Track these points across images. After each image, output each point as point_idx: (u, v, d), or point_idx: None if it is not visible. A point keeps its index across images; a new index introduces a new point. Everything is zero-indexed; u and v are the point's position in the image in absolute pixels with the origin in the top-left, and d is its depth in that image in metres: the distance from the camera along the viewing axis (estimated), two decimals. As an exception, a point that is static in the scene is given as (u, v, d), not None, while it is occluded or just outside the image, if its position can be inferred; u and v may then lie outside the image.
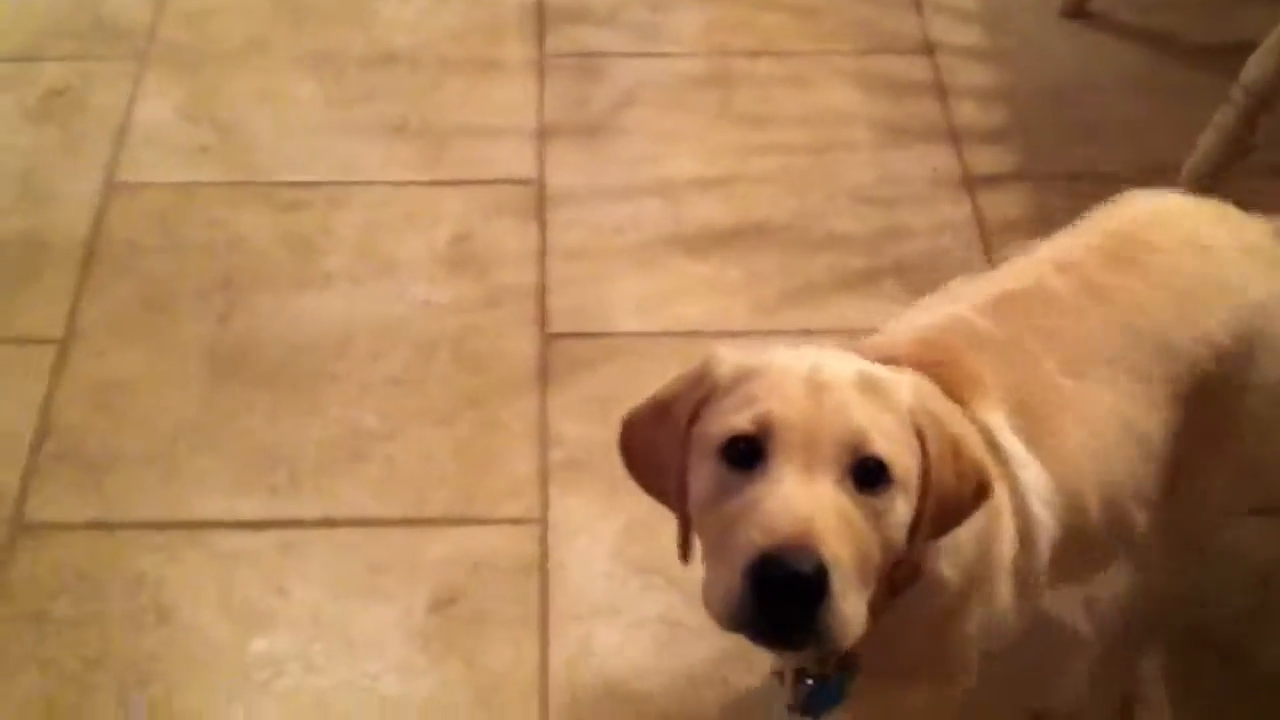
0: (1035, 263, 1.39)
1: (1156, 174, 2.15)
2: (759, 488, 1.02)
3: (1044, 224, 2.20)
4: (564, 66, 2.49)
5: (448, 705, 1.64)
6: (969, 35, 2.58)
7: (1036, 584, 1.27)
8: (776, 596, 0.97)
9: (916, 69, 2.51)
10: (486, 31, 2.54)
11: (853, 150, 2.38)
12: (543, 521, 1.83)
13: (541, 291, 2.12)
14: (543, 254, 2.17)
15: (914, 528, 1.07)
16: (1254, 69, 2.03)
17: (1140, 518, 1.34)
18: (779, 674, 1.30)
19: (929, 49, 2.55)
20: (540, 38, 2.52)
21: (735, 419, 1.05)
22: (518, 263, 2.16)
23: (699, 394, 1.11)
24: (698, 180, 2.30)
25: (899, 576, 1.12)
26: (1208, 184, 2.07)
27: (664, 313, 2.10)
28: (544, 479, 1.87)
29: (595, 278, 2.15)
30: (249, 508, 1.84)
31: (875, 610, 1.06)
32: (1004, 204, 2.27)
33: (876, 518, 1.03)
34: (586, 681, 1.67)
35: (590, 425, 1.94)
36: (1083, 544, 1.29)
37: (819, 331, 2.03)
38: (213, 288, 2.10)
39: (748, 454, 1.04)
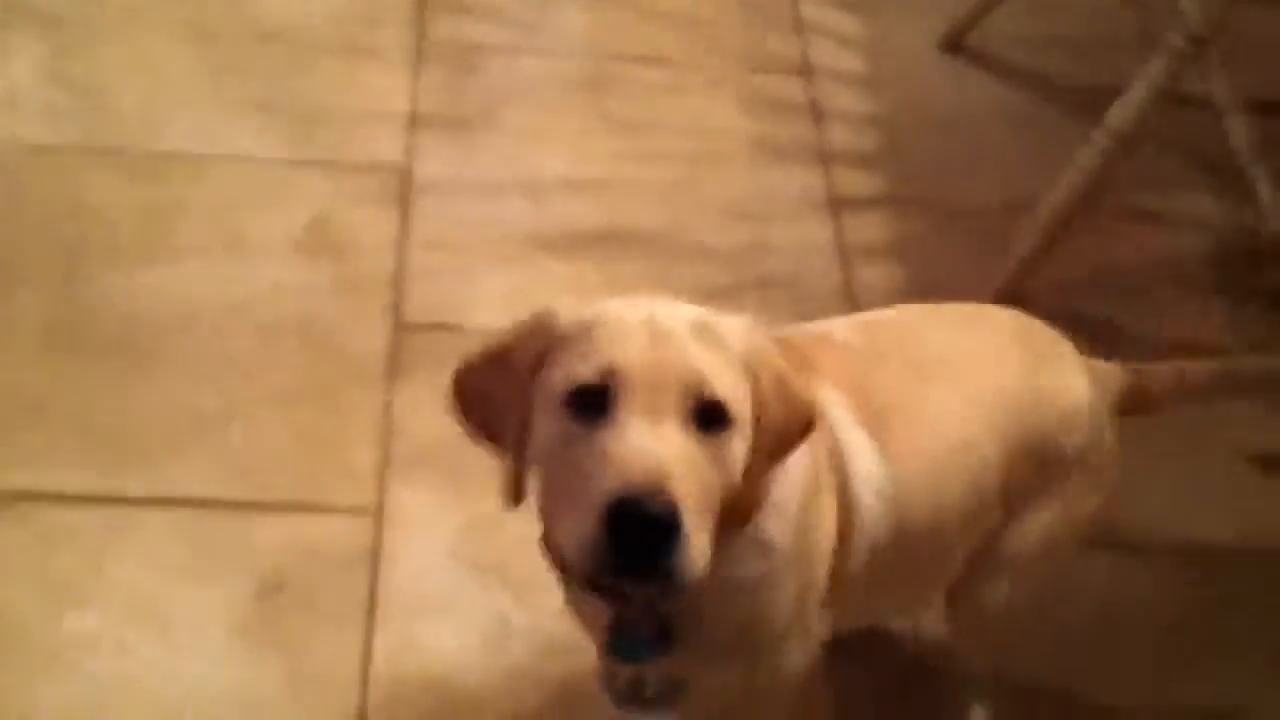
0: (900, 309, 1.47)
1: (1020, 208, 2.20)
2: (607, 436, 1.03)
3: (905, 250, 2.27)
4: (443, 57, 2.45)
5: (261, 695, 1.60)
6: (848, 61, 2.61)
7: (849, 583, 1.28)
8: (632, 538, 0.99)
9: (794, 90, 2.53)
10: (366, 16, 2.50)
11: (726, 164, 2.38)
12: (379, 513, 1.79)
13: (398, 281, 2.09)
14: (403, 243, 2.14)
15: (748, 463, 1.10)
16: (1117, 114, 2.06)
17: (960, 541, 1.36)
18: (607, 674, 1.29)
19: (808, 71, 2.57)
20: (420, 26, 2.49)
21: (579, 369, 1.06)
22: (376, 250, 2.12)
23: (538, 345, 1.12)
24: (568, 181, 2.29)
25: (733, 515, 1.13)
26: (1063, 221, 2.11)
27: (518, 310, 2.06)
28: (384, 470, 1.84)
29: (455, 271, 2.12)
30: (74, 482, 1.78)
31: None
32: (868, 228, 2.29)
33: (717, 457, 1.07)
34: (409, 677, 1.64)
35: (437, 420, 1.87)
36: (903, 554, 1.30)
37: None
38: (56, 255, 2.03)
39: (593, 404, 1.05)
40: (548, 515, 1.14)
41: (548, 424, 1.09)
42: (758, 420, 1.10)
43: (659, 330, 1.08)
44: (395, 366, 1.97)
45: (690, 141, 2.40)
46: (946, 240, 2.29)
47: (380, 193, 2.21)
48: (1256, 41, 2.36)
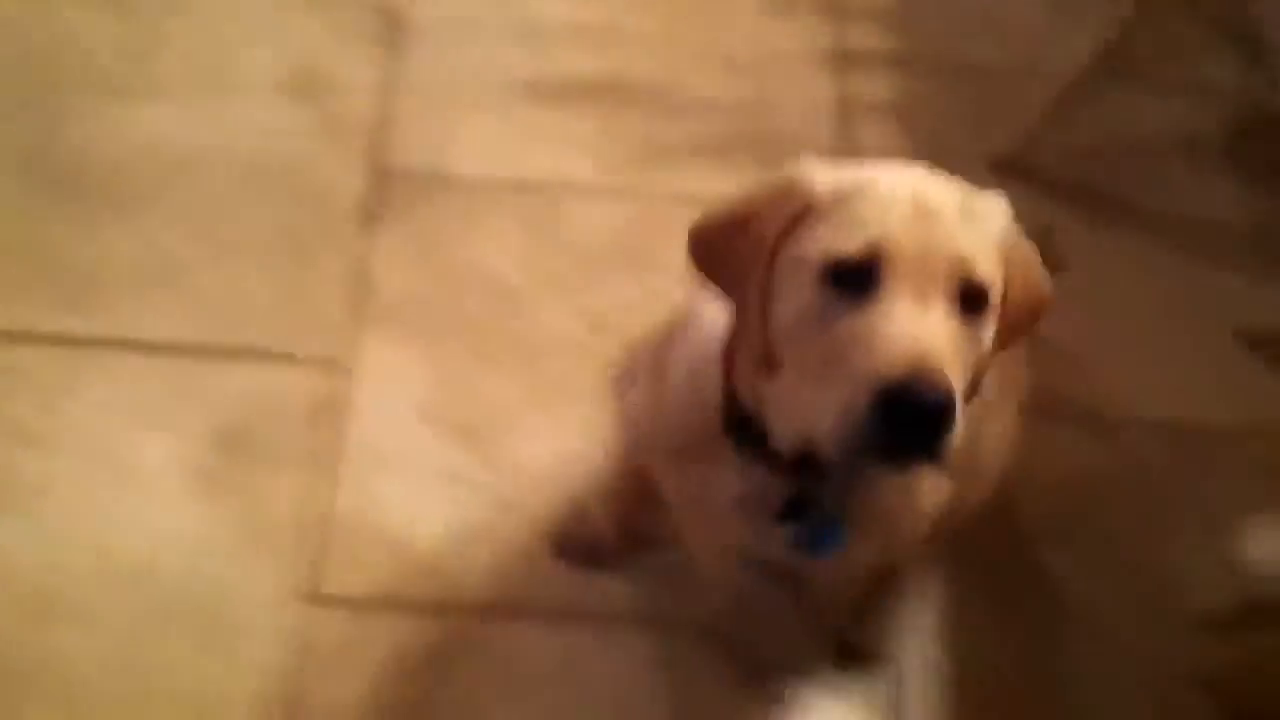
0: None
1: (1032, 72, 2.11)
2: (873, 316, 1.00)
3: (909, 110, 2.18)
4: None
5: (216, 542, 1.61)
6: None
7: None
8: (906, 421, 0.96)
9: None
10: None
11: (732, 14, 2.29)
12: (349, 366, 1.77)
13: (381, 126, 2.03)
14: (391, 87, 2.08)
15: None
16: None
17: None
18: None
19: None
20: None
21: (842, 243, 1.02)
22: (362, 93, 2.07)
23: (790, 209, 1.06)
24: (567, 27, 2.21)
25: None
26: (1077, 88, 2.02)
27: (508, 161, 2.03)
28: (357, 322, 1.81)
29: (442, 118, 2.06)
30: (32, 320, 1.76)
31: None
32: (873, 86, 2.21)
33: (974, 339, 1.04)
34: (366, 531, 1.63)
35: (414, 273, 1.88)
36: None
37: (670, 196, 1.99)
38: (30, 88, 1.99)
39: (856, 280, 1.01)
40: (786, 389, 1.08)
41: (800, 295, 1.04)
42: (1004, 301, 1.07)
43: (926, 206, 1.03)
44: (374, 215, 1.93)
45: (694, -10, 2.32)
46: (952, 100, 2.20)
47: (371, 33, 2.14)
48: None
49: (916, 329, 0.98)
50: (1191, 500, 1.79)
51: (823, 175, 1.06)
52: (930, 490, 1.23)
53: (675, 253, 1.89)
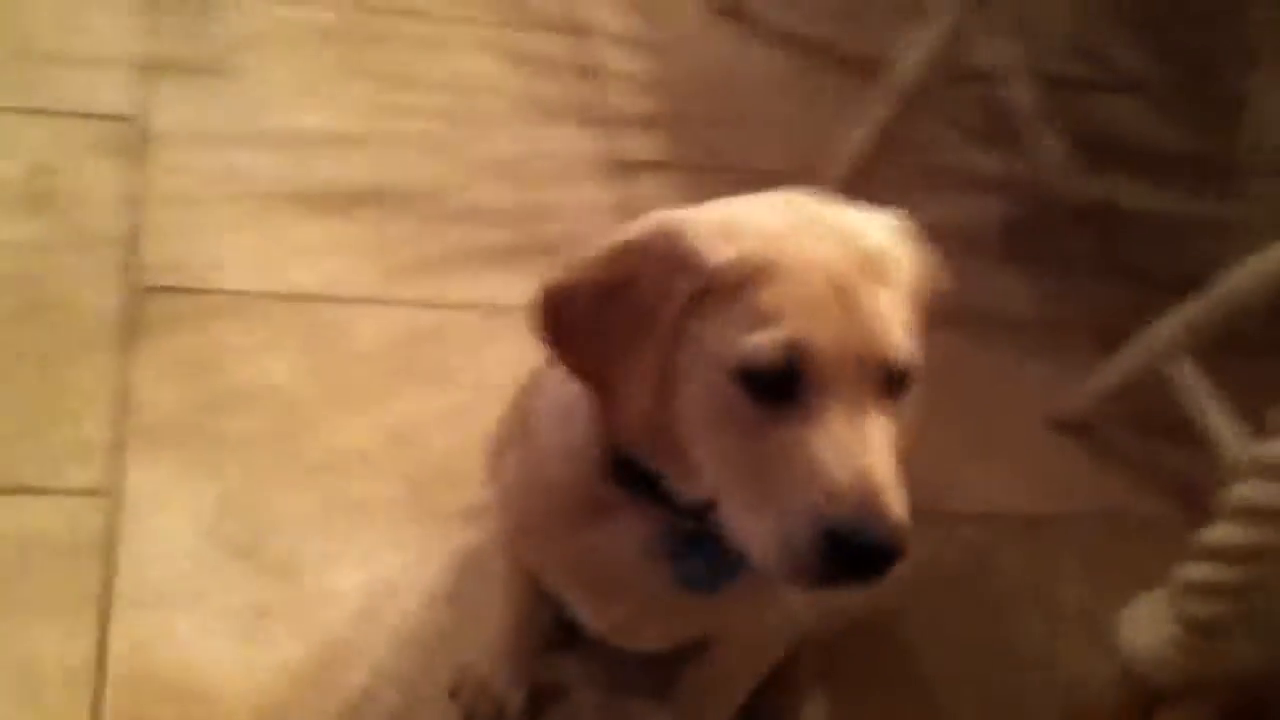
0: None
1: (803, 171, 2.09)
2: (806, 435, 0.88)
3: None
4: (176, -1, 2.21)
5: (-25, 706, 1.34)
6: (621, 22, 2.47)
7: None
8: (858, 560, 0.87)
9: (563, 49, 2.39)
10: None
11: (496, 123, 2.22)
12: (113, 494, 1.54)
13: (134, 240, 1.84)
14: (140, 200, 1.89)
15: None
16: (908, 58, 1.99)
17: None
18: None
19: (577, 30, 2.42)
20: (150, -34, 2.24)
21: (756, 343, 0.88)
22: (109, 207, 1.87)
23: (686, 286, 0.91)
24: (324, 136, 2.08)
25: None
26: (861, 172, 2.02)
27: (278, 273, 1.86)
28: (119, 446, 1.59)
29: (199, 229, 1.88)
30: None
31: None
32: (650, 191, 2.16)
33: (901, 420, 0.94)
34: (153, 672, 1.39)
35: (183, 392, 1.68)
36: None
37: (459, 305, 1.86)
38: None
39: (776, 387, 0.89)
40: (720, 487, 0.94)
41: (713, 396, 0.91)
42: None
43: (843, 285, 0.90)
44: (132, 333, 1.72)
45: (456, 98, 2.23)
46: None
47: (113, 144, 1.95)
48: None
49: (858, 452, 0.88)
50: (1039, 588, 1.75)
51: (711, 241, 0.91)
52: None
53: (471, 362, 1.80)
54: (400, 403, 1.74)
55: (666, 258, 0.92)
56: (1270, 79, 2.55)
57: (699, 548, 1.04)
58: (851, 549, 0.86)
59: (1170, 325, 1.78)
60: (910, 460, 0.91)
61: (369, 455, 1.67)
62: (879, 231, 0.97)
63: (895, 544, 0.87)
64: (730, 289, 0.90)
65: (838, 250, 0.92)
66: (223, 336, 1.76)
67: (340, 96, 2.15)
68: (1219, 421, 1.65)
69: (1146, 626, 1.45)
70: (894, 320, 0.92)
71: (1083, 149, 2.34)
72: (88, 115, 1.98)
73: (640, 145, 2.24)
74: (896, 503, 0.87)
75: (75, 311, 1.73)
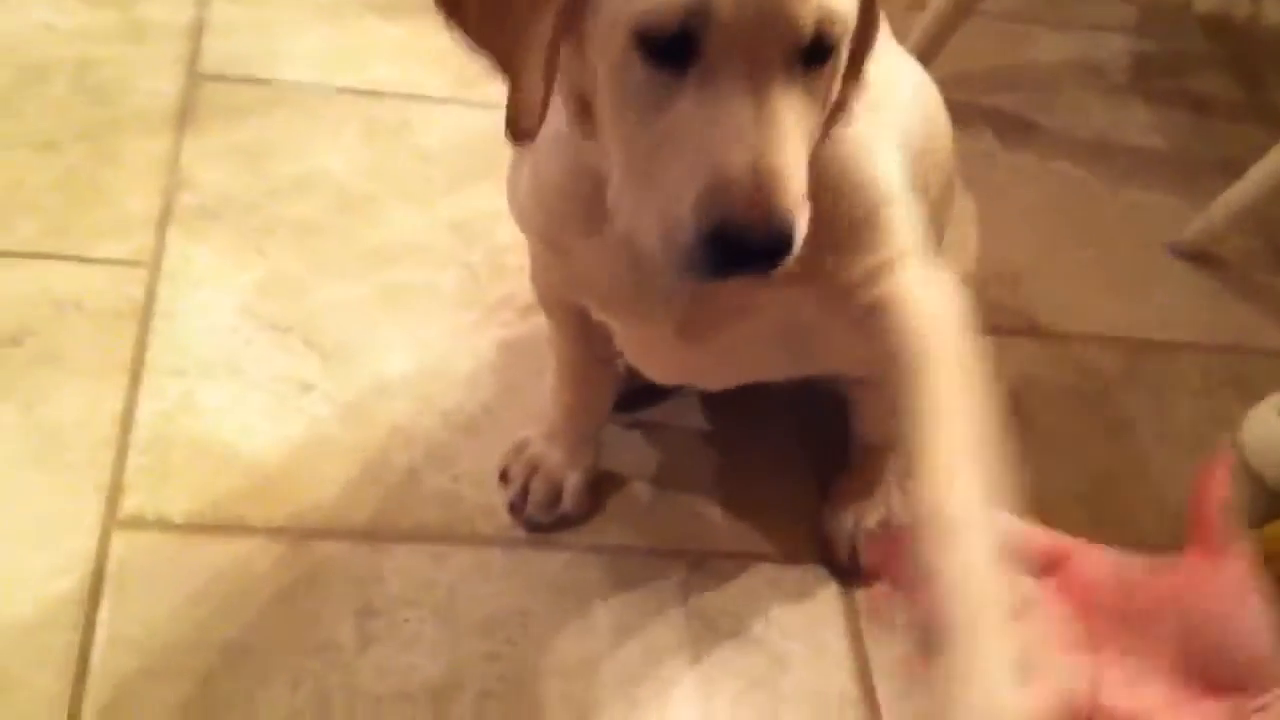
0: None
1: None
2: (696, 110, 0.79)
3: None
4: None
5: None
6: None
7: None
8: (741, 255, 0.79)
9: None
10: None
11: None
12: (154, 266, 1.46)
13: (197, 31, 1.76)
14: (206, -8, 1.80)
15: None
16: None
17: None
18: None
19: None
20: None
21: (652, 5, 0.78)
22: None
23: None
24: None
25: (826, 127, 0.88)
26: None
27: (347, 70, 1.77)
28: (164, 221, 1.51)
29: (267, 24, 1.80)
30: None
31: None
32: None
33: (822, 91, 0.83)
34: (179, 440, 1.31)
35: (238, 176, 1.59)
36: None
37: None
38: None
39: (672, 50, 0.79)
40: (618, 169, 0.85)
41: (607, 60, 0.81)
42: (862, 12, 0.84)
43: None
44: (187, 117, 1.64)
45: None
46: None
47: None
48: None
49: (751, 134, 0.78)
50: (1152, 410, 1.59)
51: None
52: None
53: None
54: (463, 199, 1.63)
55: None
56: None
57: None
58: (734, 244, 0.78)
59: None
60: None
61: (424, 246, 1.57)
62: None
63: (781, 244, 0.79)
64: None
65: None
66: (284, 128, 1.67)
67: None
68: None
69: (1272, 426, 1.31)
70: None
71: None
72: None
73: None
74: (785, 194, 0.78)
75: (129, 94, 1.65)
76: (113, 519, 1.23)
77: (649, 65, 0.79)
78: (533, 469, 1.31)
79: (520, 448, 1.34)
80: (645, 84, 0.80)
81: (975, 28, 1.89)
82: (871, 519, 1.33)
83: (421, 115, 1.73)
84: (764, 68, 0.78)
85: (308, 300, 1.47)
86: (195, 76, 1.69)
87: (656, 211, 0.81)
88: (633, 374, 1.29)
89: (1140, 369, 1.63)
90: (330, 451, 1.34)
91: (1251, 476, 1.37)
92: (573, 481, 1.31)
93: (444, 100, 1.75)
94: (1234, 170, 1.76)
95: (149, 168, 1.57)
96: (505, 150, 1.52)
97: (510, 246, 1.55)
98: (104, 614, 1.17)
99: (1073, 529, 0.83)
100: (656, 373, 1.21)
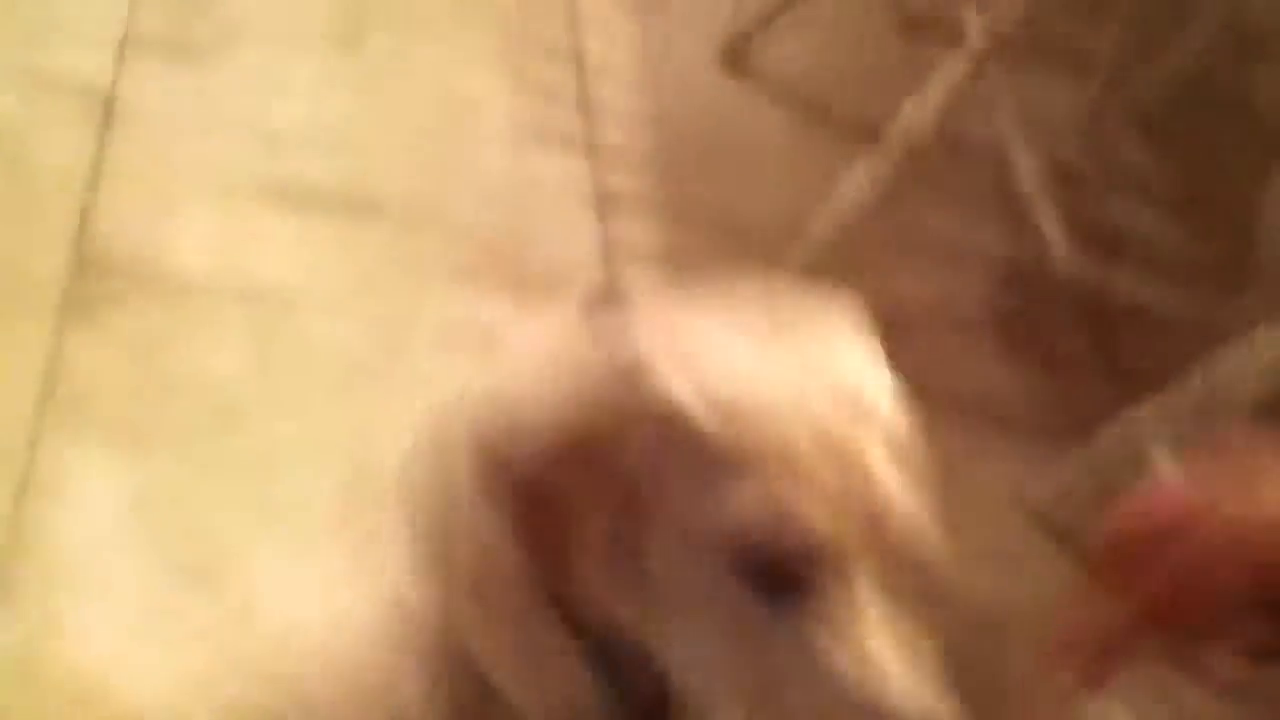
0: None
1: (794, 228, 2.02)
2: (821, 646, 0.70)
3: (672, 256, 2.04)
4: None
5: None
6: (623, 59, 2.40)
7: None
8: None
9: (564, 79, 2.30)
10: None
11: (485, 143, 2.13)
12: (29, 467, 1.43)
13: (88, 212, 1.74)
14: (98, 172, 1.79)
15: None
16: (911, 114, 1.92)
17: None
18: None
19: (580, 63, 2.35)
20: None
21: (750, 515, 0.70)
22: (65, 175, 1.77)
23: (657, 435, 0.73)
24: (304, 133, 1.98)
25: None
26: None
27: (235, 265, 1.77)
28: (42, 418, 1.48)
29: (159, 210, 1.79)
30: None
31: None
32: (634, 229, 2.07)
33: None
34: (50, 672, 1.27)
35: (119, 371, 1.59)
36: None
37: (409, 318, 1.77)
38: None
39: (781, 575, 0.71)
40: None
41: (699, 584, 0.72)
42: None
43: (840, 449, 0.72)
44: (75, 303, 1.62)
45: (445, 112, 2.14)
46: (718, 250, 2.08)
47: (76, 114, 1.85)
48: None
49: (911, 694, 0.69)
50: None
51: (670, 374, 0.74)
52: None
53: (427, 377, 1.69)
54: (349, 410, 1.64)
55: (626, 400, 0.75)
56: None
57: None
58: None
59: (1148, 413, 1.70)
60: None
61: (313, 458, 1.56)
62: (859, 364, 0.82)
63: None
64: (703, 438, 0.72)
65: (817, 388, 0.75)
66: (169, 322, 1.67)
67: (326, 95, 2.06)
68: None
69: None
70: (899, 485, 0.74)
71: (1083, 240, 2.26)
72: (60, 85, 1.88)
73: (628, 182, 2.15)
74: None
75: (16, 275, 1.63)
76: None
77: (752, 594, 0.72)
78: None
79: None
80: (746, 609, 0.73)
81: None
82: None
83: (307, 319, 1.73)
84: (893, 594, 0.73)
85: (191, 519, 1.45)
86: (85, 260, 1.68)
87: None
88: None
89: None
90: (194, 688, 1.31)
91: None
92: None
93: (331, 304, 1.76)
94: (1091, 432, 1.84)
95: (32, 357, 1.54)
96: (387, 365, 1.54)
97: (390, 468, 1.55)
98: None
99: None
100: None
